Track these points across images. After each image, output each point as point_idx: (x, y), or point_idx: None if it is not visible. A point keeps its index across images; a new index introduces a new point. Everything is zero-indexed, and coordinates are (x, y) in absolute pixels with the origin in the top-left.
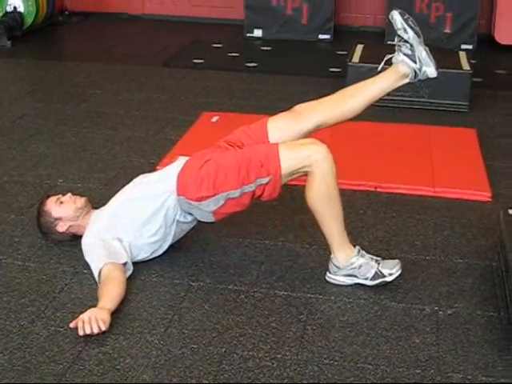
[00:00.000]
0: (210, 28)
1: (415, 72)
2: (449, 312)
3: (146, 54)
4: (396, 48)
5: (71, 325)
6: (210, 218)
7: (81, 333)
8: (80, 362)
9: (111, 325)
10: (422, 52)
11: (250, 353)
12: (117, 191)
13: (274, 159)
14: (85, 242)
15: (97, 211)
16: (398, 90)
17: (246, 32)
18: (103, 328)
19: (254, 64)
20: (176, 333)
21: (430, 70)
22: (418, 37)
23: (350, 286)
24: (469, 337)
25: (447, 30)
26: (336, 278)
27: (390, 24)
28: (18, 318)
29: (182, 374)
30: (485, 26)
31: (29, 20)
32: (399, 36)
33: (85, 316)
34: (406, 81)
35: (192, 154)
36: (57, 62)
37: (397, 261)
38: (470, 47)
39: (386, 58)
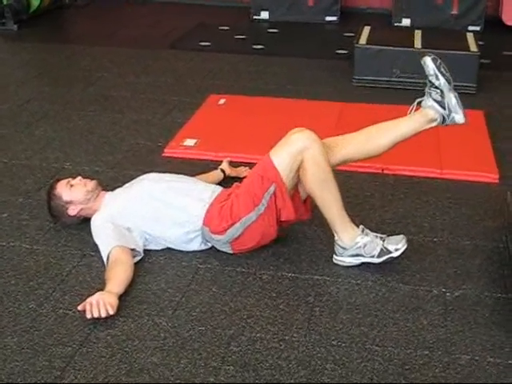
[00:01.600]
0: (216, 10)
1: (443, 117)
2: (456, 293)
3: (152, 36)
4: (426, 92)
5: (79, 307)
6: (229, 250)
7: (88, 316)
8: (88, 344)
9: (119, 308)
10: (451, 99)
11: (258, 335)
12: (124, 174)
13: (268, 166)
14: (95, 224)
15: (109, 193)
16: (408, 72)
17: (252, 14)
18: (111, 312)
19: (261, 46)
20: (184, 315)
21: (459, 117)
22: (449, 83)
23: (358, 267)
24: (476, 318)
25: (455, 12)
26: (343, 259)
27: (398, 5)
28: (26, 301)
29: (190, 356)
30: (492, 7)
31: (35, 3)
32: (430, 81)
33: (93, 299)
34: (433, 125)
35: (199, 137)
36: (63, 46)
37: (401, 236)
38: (478, 29)
39: (416, 101)
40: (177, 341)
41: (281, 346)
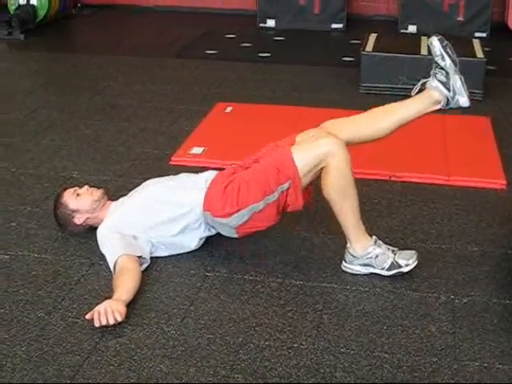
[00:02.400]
0: (222, 18)
1: (448, 99)
2: (465, 300)
3: (158, 45)
4: (431, 73)
5: (87, 316)
6: (234, 234)
7: (97, 324)
8: (97, 352)
9: (127, 316)
10: (456, 81)
11: (267, 342)
12: (132, 183)
13: (288, 162)
14: (101, 233)
15: (115, 203)
16: (415, 78)
17: (258, 22)
18: (119, 319)
19: (267, 54)
20: (192, 323)
21: (463, 100)
22: (455, 65)
23: (366, 275)
24: (485, 325)
25: (461, 18)
26: (352, 267)
27: (405, 12)
28: (35, 310)
29: (199, 364)
30: (498, 13)
31: (41, 13)
32: (436, 62)
33: (101, 308)
34: (438, 107)
35: (207, 145)
36: (70, 55)
37: (413, 251)
38: (484, 35)
39: (420, 82)
40: (185, 349)
41: (289, 353)
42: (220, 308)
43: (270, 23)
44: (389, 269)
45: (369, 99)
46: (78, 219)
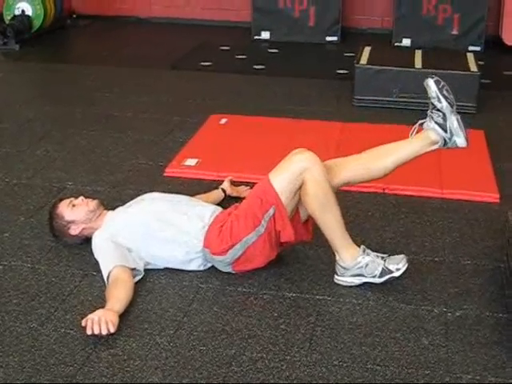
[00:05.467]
0: (217, 30)
1: (445, 140)
2: (457, 313)
3: (153, 56)
4: (428, 115)
5: (82, 322)
6: (230, 269)
7: (89, 332)
8: (90, 364)
9: (119, 327)
10: (453, 122)
11: (259, 354)
12: (126, 194)
13: (268, 188)
14: (95, 242)
15: (111, 212)
16: (409, 92)
17: (253, 34)
18: (112, 330)
19: (262, 66)
20: (185, 335)
21: (460, 141)
22: (452, 106)
23: (359, 287)
24: (478, 338)
25: (455, 32)
26: (344, 279)
27: (399, 25)
28: (27, 321)
29: (192, 376)
30: (492, 27)
31: (37, 23)
32: (432, 104)
33: (94, 316)
34: (435, 147)
35: (201, 157)
36: (65, 65)
37: (402, 255)
38: (478, 49)
39: (418, 123)
40: (178, 360)
41: (282, 365)
42: (213, 320)
43: (265, 35)
44: (380, 275)
45: (363, 112)
46: (74, 230)
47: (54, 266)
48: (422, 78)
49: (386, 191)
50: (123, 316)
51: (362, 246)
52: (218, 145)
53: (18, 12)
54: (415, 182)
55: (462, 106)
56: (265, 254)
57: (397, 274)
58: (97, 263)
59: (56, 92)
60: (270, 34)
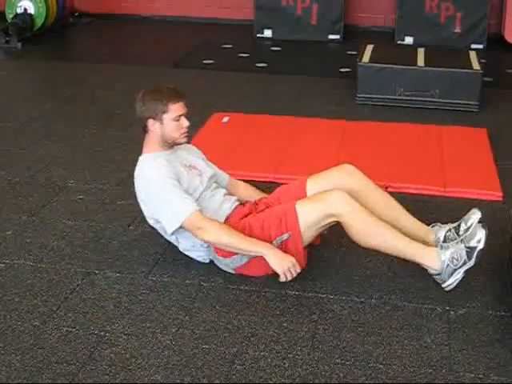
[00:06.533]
0: (219, 29)
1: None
2: (460, 312)
3: (156, 54)
4: (449, 242)
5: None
6: (230, 270)
7: (289, 278)
8: (92, 362)
9: (122, 325)
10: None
11: (262, 353)
12: (129, 192)
13: (291, 214)
14: (153, 177)
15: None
16: (411, 90)
17: (255, 32)
18: (298, 269)
19: (264, 64)
20: (188, 333)
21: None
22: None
23: (361, 286)
24: (480, 336)
25: (457, 30)
26: (448, 283)
27: (401, 24)
28: (30, 319)
29: (194, 374)
30: (495, 25)
31: (39, 21)
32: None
33: (283, 267)
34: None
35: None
36: (67, 64)
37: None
38: (481, 47)
39: (449, 227)
40: (180, 359)
41: (284, 364)
42: (215, 318)
43: (267, 33)
44: (469, 257)
45: (365, 110)
46: (152, 125)
47: (56, 265)
48: (425, 75)
49: (389, 189)
50: (125, 314)
51: (435, 239)
52: (220, 143)
53: (20, 10)
54: (418, 180)
55: (465, 104)
56: (266, 270)
57: (481, 246)
58: (99, 261)
59: (58, 90)
60: (273, 32)
